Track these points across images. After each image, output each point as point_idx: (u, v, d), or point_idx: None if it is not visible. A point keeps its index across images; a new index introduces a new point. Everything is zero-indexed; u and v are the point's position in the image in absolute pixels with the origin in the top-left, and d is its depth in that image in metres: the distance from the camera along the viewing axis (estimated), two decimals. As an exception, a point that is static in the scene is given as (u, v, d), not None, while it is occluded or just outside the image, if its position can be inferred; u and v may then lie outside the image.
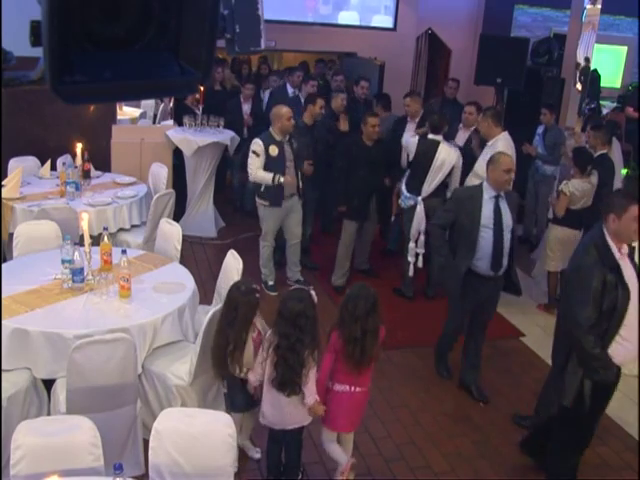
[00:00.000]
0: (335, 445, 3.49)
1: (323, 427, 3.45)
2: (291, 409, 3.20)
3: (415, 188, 5.63)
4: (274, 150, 5.37)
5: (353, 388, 3.31)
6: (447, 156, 5.53)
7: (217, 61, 8.45)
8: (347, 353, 3.18)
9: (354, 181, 5.74)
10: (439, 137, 5.59)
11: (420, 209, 5.59)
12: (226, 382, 3.55)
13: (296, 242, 5.84)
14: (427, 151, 5.53)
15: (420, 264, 5.73)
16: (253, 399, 3.43)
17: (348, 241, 5.95)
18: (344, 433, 3.50)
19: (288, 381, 3.07)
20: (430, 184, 5.57)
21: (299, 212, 5.76)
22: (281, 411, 3.21)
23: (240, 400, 3.48)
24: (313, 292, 3.20)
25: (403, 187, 5.78)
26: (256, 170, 5.38)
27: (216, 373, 3.43)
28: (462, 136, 6.41)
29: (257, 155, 5.37)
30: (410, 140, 5.78)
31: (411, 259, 5.74)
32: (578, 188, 5.48)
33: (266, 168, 5.38)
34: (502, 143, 5.41)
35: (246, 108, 7.66)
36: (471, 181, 5.51)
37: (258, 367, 3.19)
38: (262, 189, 5.48)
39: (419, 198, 5.60)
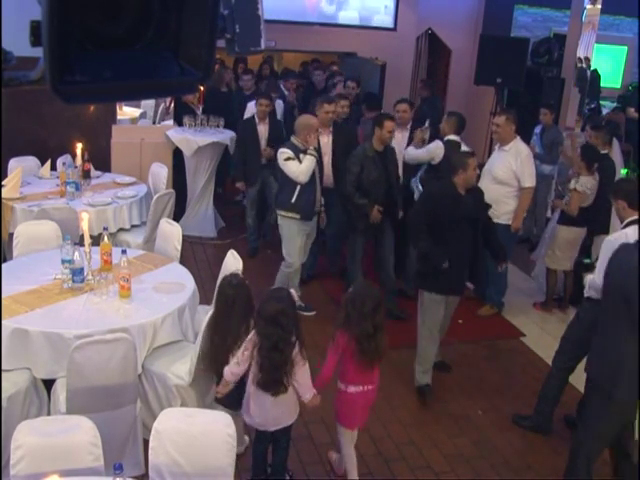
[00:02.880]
0: (353, 450, 3.49)
1: (342, 429, 3.45)
2: (275, 410, 3.18)
3: None
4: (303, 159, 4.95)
5: (366, 387, 3.34)
6: None
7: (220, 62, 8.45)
8: (361, 351, 3.19)
9: (447, 247, 4.27)
10: (458, 138, 5.63)
11: None
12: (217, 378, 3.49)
13: (300, 264, 5.33)
14: (451, 153, 5.52)
15: None
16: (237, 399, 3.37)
17: (434, 322, 4.43)
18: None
19: (273, 381, 3.05)
20: None
21: (314, 233, 5.34)
22: (265, 412, 3.20)
23: (230, 398, 3.42)
24: (293, 290, 3.22)
25: (419, 185, 5.76)
26: (298, 168, 4.89)
27: (211, 369, 3.38)
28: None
29: (293, 158, 4.91)
30: (434, 149, 5.57)
31: None
32: (588, 185, 5.45)
33: (289, 181, 4.97)
34: (524, 148, 5.41)
35: (262, 130, 6.30)
36: (491, 186, 5.35)
37: (235, 366, 3.14)
38: (293, 200, 4.99)
39: None
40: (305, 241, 5.25)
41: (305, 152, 4.93)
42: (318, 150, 5.33)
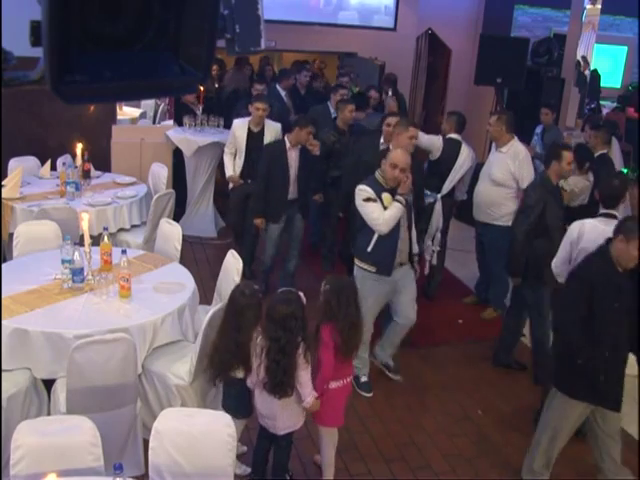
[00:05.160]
0: (334, 453, 3.48)
1: (326, 430, 3.43)
2: (284, 413, 3.19)
3: (435, 186, 5.59)
4: (388, 200, 4.07)
5: (345, 380, 3.35)
6: (467, 156, 5.58)
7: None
8: (344, 341, 3.21)
9: (600, 345, 3.25)
10: (459, 137, 5.65)
11: (439, 207, 5.58)
12: (222, 383, 3.50)
13: (406, 324, 4.42)
14: (451, 151, 5.55)
15: (435, 261, 5.70)
16: (246, 406, 3.38)
17: (566, 430, 3.50)
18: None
19: (279, 383, 3.05)
20: (451, 182, 5.59)
21: (413, 287, 4.38)
22: (274, 416, 3.20)
23: (231, 403, 3.42)
24: (301, 293, 3.19)
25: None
26: (381, 214, 4.04)
27: (212, 375, 3.36)
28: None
29: (374, 200, 4.05)
30: (435, 140, 5.63)
31: (428, 257, 5.69)
32: (577, 184, 5.47)
33: (367, 224, 4.13)
34: (522, 149, 5.40)
35: (293, 157, 5.28)
36: (489, 188, 5.40)
37: (254, 373, 3.17)
38: (370, 248, 4.16)
39: (439, 196, 5.58)
40: (398, 294, 4.33)
41: (390, 192, 4.09)
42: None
